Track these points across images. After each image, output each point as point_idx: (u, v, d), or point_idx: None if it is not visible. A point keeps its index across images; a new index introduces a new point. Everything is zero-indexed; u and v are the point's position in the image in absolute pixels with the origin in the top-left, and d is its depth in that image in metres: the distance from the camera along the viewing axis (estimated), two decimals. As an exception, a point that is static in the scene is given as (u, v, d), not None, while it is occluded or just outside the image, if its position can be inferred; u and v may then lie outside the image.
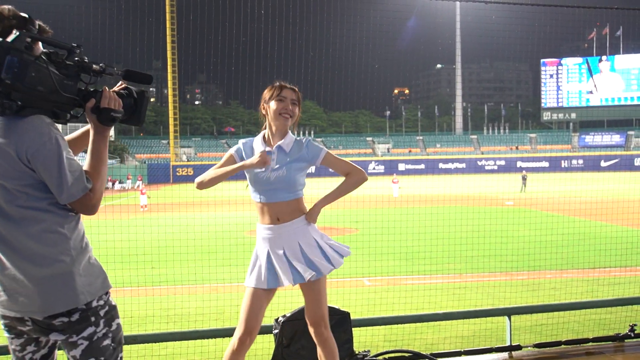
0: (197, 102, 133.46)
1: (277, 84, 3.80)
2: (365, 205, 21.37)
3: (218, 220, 9.46)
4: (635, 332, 5.61)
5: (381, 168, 68.77)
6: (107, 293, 2.67)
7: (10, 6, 2.45)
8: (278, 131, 3.79)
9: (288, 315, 4.60)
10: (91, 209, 2.58)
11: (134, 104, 2.72)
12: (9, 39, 2.32)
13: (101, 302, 2.61)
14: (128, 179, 41.71)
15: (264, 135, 3.85)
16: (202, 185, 3.76)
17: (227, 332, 5.33)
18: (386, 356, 5.11)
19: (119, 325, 2.70)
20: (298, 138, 3.86)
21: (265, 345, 5.80)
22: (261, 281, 3.73)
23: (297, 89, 3.83)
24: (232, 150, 3.86)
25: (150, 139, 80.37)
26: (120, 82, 2.75)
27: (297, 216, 3.76)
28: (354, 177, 3.86)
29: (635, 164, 66.15)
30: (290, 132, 3.85)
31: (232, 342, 3.78)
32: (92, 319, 2.57)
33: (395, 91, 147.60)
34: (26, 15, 2.44)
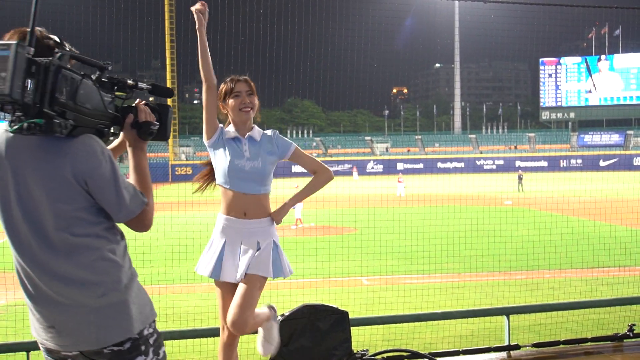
0: (195, 102, 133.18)
1: (229, 79, 3.85)
2: (363, 205, 21.38)
3: (215, 220, 9.44)
4: (634, 332, 5.61)
5: (380, 167, 68.78)
6: (154, 320, 2.59)
7: (41, 28, 2.38)
8: (242, 124, 3.83)
9: (286, 314, 4.60)
10: (147, 225, 2.54)
11: (159, 118, 2.67)
12: (55, 56, 2.27)
13: (151, 330, 2.54)
14: (127, 177, 41.73)
15: (234, 126, 3.88)
16: (211, 78, 3.75)
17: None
18: (384, 355, 5.11)
19: (165, 353, 2.61)
20: (264, 131, 3.91)
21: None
22: (206, 270, 3.84)
23: (248, 79, 3.86)
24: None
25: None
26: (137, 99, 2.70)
27: (263, 215, 3.78)
28: (321, 177, 3.91)
29: (634, 163, 66.12)
30: (255, 125, 3.90)
31: (221, 340, 3.86)
32: (143, 347, 2.48)
33: (394, 90, 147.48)
34: (57, 38, 2.40)
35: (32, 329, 2.53)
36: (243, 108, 3.77)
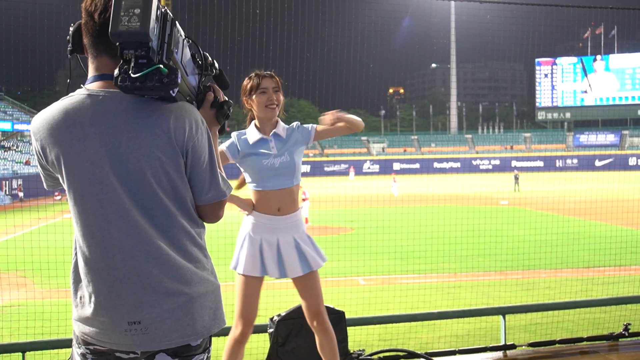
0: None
1: (253, 74, 3.80)
2: (360, 205, 21.39)
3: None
4: (630, 331, 5.62)
5: (376, 167, 68.79)
6: None
7: None
8: (267, 121, 3.81)
9: (283, 314, 4.59)
10: (220, 215, 2.27)
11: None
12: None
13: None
14: None
15: (255, 125, 3.86)
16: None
17: (223, 331, 5.33)
18: (381, 355, 5.11)
19: (210, 351, 2.28)
20: (288, 126, 3.90)
21: (260, 344, 5.79)
22: (255, 268, 3.74)
23: (274, 74, 3.82)
24: (224, 147, 3.79)
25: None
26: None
27: (295, 209, 3.80)
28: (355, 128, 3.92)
29: (630, 163, 66.27)
30: (279, 119, 3.88)
31: (232, 335, 3.81)
32: (206, 344, 2.20)
33: (390, 90, 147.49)
34: None
35: (89, 333, 2.13)
36: (269, 105, 3.75)
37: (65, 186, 2.12)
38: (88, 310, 2.11)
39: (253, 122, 3.87)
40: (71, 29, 2.08)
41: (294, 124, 3.92)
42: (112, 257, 2.06)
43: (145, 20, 1.87)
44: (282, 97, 3.82)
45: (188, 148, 2.08)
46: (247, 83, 3.81)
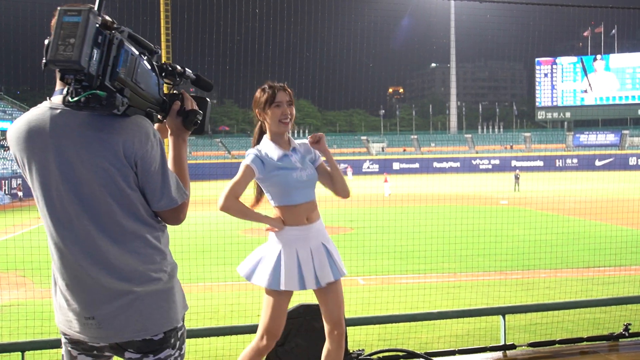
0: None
1: (267, 86, 3.74)
2: (359, 205, 21.39)
3: (212, 219, 9.43)
4: (630, 331, 5.62)
5: (375, 167, 68.83)
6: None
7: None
8: (281, 135, 3.78)
9: (282, 314, 4.59)
10: (182, 219, 2.44)
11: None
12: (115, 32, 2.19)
13: (181, 322, 2.46)
14: None
15: (270, 141, 3.78)
16: (226, 211, 3.68)
17: (222, 331, 5.33)
18: (380, 355, 5.11)
19: (184, 349, 2.50)
20: (301, 141, 3.90)
21: (259, 344, 5.78)
22: (294, 283, 3.70)
23: (286, 87, 3.79)
24: (248, 162, 3.69)
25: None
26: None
27: (318, 215, 3.83)
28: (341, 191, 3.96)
29: (630, 163, 66.32)
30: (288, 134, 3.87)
31: (256, 346, 3.78)
32: (172, 340, 2.39)
33: (390, 90, 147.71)
34: (110, 18, 2.29)
35: (62, 322, 2.40)
36: (283, 119, 3.71)
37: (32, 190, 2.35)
38: (58, 301, 2.39)
39: (266, 137, 3.80)
40: (45, 42, 2.18)
41: (303, 140, 3.91)
42: (66, 258, 2.30)
43: (79, 49, 2.04)
44: (294, 111, 3.80)
45: (137, 160, 2.26)
46: (260, 95, 3.74)
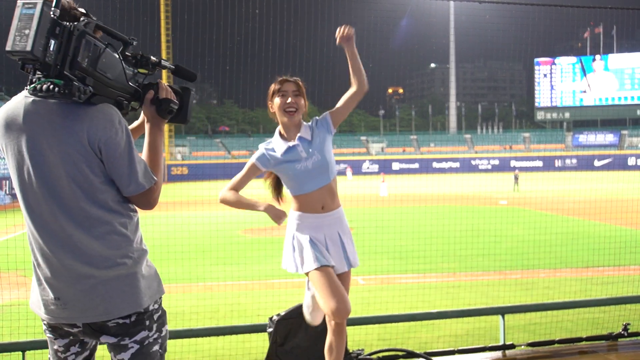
0: (192, 101, 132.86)
1: (279, 79, 3.83)
2: (359, 204, 21.38)
3: (212, 219, 9.45)
4: (629, 331, 5.63)
5: (375, 167, 68.75)
6: (161, 297, 2.62)
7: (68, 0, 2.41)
8: (291, 125, 3.81)
9: (282, 314, 4.60)
10: (152, 203, 2.53)
11: (180, 101, 2.71)
12: (80, 23, 2.30)
13: (156, 306, 2.56)
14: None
15: (280, 132, 3.86)
16: (224, 203, 3.82)
17: (221, 331, 5.34)
18: (380, 355, 5.12)
19: (167, 331, 2.66)
20: (309, 123, 3.90)
21: (259, 344, 5.80)
22: (324, 259, 3.71)
23: (298, 80, 3.84)
24: (254, 159, 3.83)
25: (144, 138, 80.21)
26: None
27: (338, 204, 3.85)
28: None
29: (629, 163, 66.25)
30: (303, 122, 3.88)
31: (330, 330, 3.83)
32: (147, 322, 2.51)
33: (389, 90, 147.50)
34: (84, 10, 2.41)
35: (34, 303, 2.52)
36: (287, 108, 3.75)
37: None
38: (34, 281, 2.51)
39: (277, 130, 3.88)
40: None
41: (312, 120, 3.92)
42: (37, 241, 2.42)
43: (33, 40, 2.15)
44: (304, 102, 3.83)
45: (100, 146, 2.35)
46: (270, 88, 3.85)
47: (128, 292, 2.44)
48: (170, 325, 8.23)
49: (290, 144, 3.78)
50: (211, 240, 11.26)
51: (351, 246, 3.86)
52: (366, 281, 11.89)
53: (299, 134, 3.80)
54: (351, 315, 5.32)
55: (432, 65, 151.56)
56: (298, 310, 4.62)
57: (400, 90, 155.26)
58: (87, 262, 2.38)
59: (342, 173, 61.30)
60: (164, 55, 64.38)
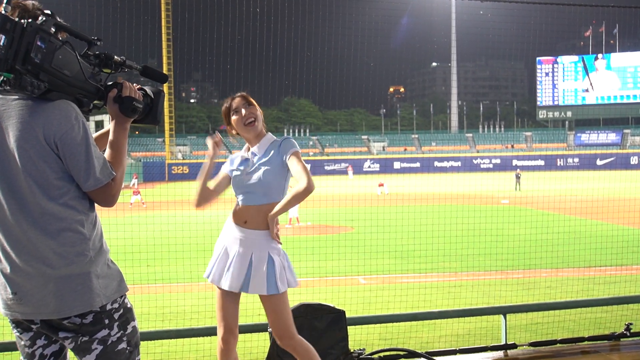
0: (192, 100, 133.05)
1: (226, 101, 3.88)
2: (360, 204, 21.38)
3: (213, 218, 9.40)
4: (631, 331, 5.61)
5: (376, 166, 68.77)
6: (122, 296, 2.61)
7: (34, 1, 2.46)
8: (253, 138, 3.82)
9: (283, 314, 4.58)
10: (111, 200, 2.54)
11: (150, 102, 2.74)
12: (37, 21, 2.33)
13: (116, 305, 2.55)
14: (135, 178, 41.12)
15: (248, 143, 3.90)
16: (197, 204, 3.90)
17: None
18: (381, 354, 5.10)
19: (134, 328, 2.64)
20: (277, 138, 3.83)
21: (260, 343, 5.80)
22: (213, 276, 3.90)
23: (243, 93, 3.85)
24: (223, 167, 3.96)
25: (145, 137, 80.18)
26: (134, 83, 2.76)
27: (263, 227, 3.68)
28: (297, 187, 3.59)
29: (631, 162, 66.21)
30: (268, 133, 3.86)
31: (218, 344, 3.85)
32: (106, 321, 2.51)
33: (391, 89, 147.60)
34: (49, 12, 2.43)
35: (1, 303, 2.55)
36: (246, 121, 3.75)
37: None
38: None
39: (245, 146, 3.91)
40: None
41: (283, 137, 3.82)
42: None
43: None
44: (258, 110, 3.82)
45: (56, 141, 2.37)
46: (223, 111, 3.86)
47: (80, 291, 2.44)
48: (171, 325, 8.26)
49: (245, 155, 3.82)
50: (212, 240, 11.23)
51: (261, 274, 3.65)
52: (367, 281, 11.88)
53: (256, 145, 3.78)
54: (352, 315, 5.31)
55: (434, 64, 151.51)
56: (299, 310, 4.61)
57: (402, 89, 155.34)
58: (41, 259, 2.40)
59: (343, 172, 61.35)
60: (164, 54, 64.40)
